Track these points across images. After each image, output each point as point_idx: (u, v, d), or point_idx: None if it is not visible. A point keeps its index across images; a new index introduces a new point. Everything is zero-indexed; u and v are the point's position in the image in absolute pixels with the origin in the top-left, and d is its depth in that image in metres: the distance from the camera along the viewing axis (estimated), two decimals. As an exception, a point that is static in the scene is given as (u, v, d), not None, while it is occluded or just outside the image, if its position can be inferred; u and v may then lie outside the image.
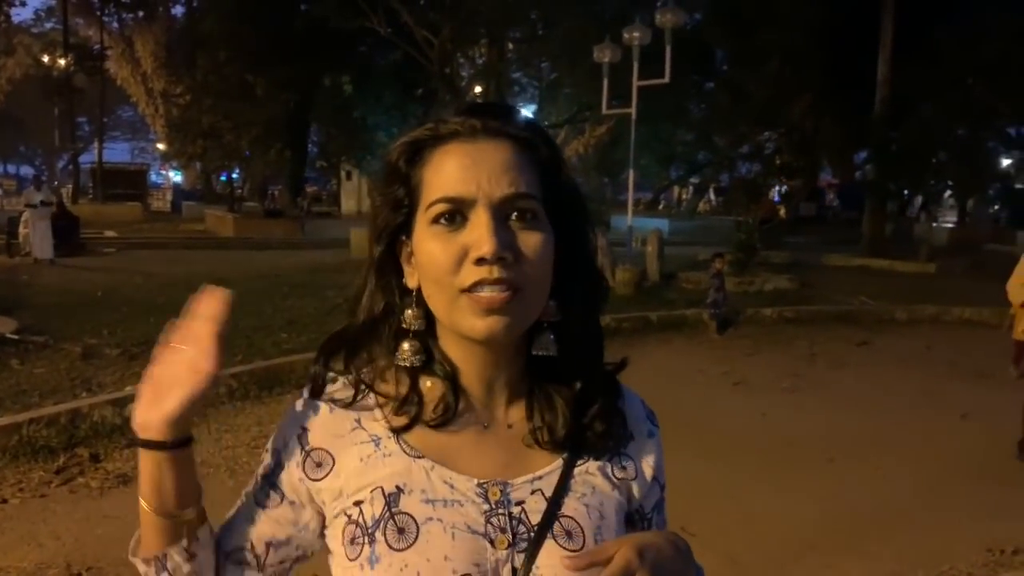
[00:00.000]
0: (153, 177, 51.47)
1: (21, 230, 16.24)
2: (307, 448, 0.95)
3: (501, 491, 0.92)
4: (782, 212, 27.62)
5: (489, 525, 0.90)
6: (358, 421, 0.95)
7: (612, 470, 0.98)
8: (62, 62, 36.37)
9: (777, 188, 32.32)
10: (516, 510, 0.92)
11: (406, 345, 0.94)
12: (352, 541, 0.91)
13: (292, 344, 8.36)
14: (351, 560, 0.90)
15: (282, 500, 0.96)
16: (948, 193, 30.77)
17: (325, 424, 0.96)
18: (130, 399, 5.92)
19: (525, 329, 0.92)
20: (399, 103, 26.06)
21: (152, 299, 11.24)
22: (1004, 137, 28.98)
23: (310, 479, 0.94)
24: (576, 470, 0.96)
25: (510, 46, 27.59)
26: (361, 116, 25.84)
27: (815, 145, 25.56)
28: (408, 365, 0.94)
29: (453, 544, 0.89)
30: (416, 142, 0.93)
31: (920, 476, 5.33)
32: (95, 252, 17.88)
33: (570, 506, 0.93)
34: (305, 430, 0.96)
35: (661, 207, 47.47)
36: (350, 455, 0.94)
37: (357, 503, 0.91)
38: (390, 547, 0.88)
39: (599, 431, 0.97)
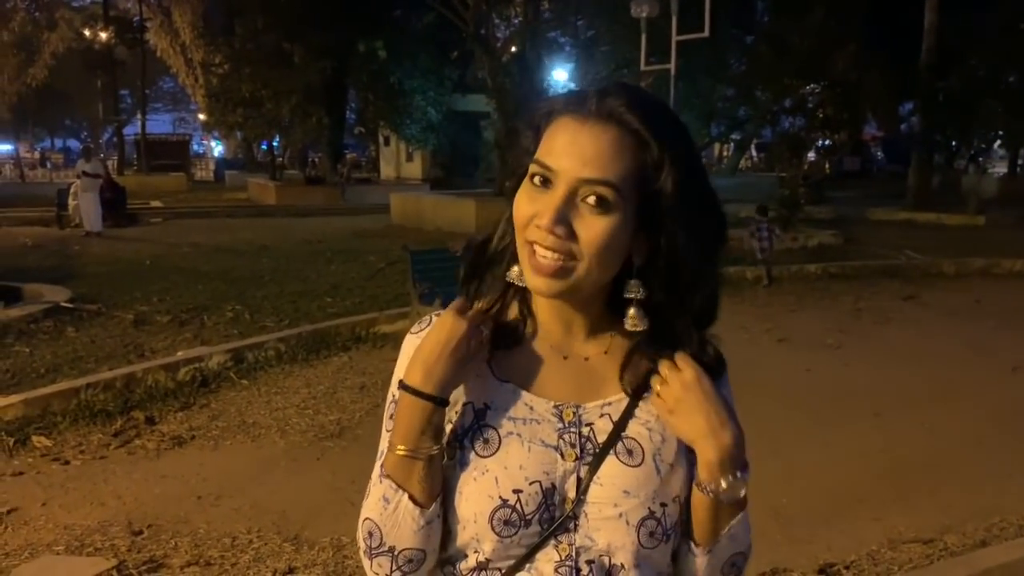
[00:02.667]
0: (195, 147, 52.04)
1: (71, 202, 16.59)
2: None
3: (574, 413, 1.04)
4: (827, 168, 27.08)
5: (561, 440, 1.03)
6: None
7: None
8: (103, 35, 36.81)
9: (820, 142, 31.66)
10: (586, 430, 1.04)
11: (516, 268, 1.04)
12: (449, 444, 1.04)
13: (337, 308, 8.49)
14: (448, 460, 1.03)
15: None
16: (998, 143, 29.87)
17: None
18: (182, 364, 6.10)
19: (576, 295, 1.02)
20: (435, 66, 25.92)
21: (199, 267, 11.47)
22: (1057, 84, 27.98)
23: None
24: (640, 403, 1.06)
25: (545, 4, 27.19)
26: (397, 81, 25.76)
27: (859, 97, 24.93)
28: (517, 283, 1.04)
29: (528, 455, 1.01)
30: (552, 104, 1.03)
31: (969, 430, 5.28)
32: (142, 222, 18.23)
33: (633, 429, 1.04)
34: None
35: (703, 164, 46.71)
36: None
37: (457, 413, 1.05)
38: (476, 454, 1.02)
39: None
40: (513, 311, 1.09)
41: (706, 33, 13.12)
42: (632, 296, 1.02)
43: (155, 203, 22.76)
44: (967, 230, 16.40)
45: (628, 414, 1.05)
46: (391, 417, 1.07)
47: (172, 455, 4.85)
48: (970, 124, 22.35)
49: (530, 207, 0.99)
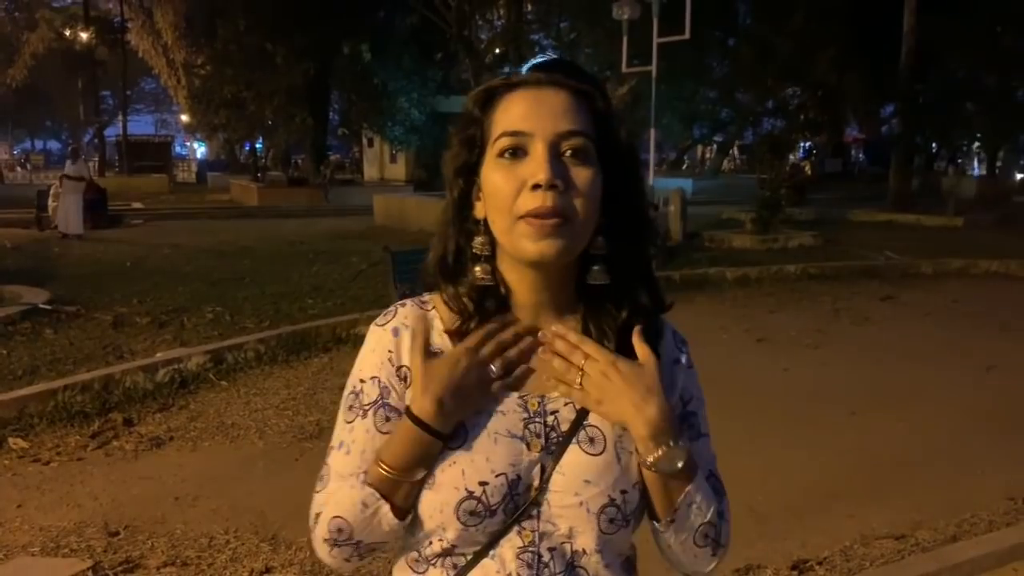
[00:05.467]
0: (178, 149, 51.78)
1: (51, 203, 16.47)
2: (396, 365, 1.09)
3: (539, 403, 1.07)
4: (808, 169, 27.25)
5: (527, 430, 1.05)
6: (428, 331, 1.09)
7: None
8: (84, 36, 36.54)
9: (802, 144, 31.90)
10: (551, 419, 1.06)
11: (478, 268, 1.07)
12: None
13: (318, 309, 8.47)
14: None
15: (399, 417, 1.07)
16: (976, 145, 30.18)
17: (403, 344, 1.09)
18: (161, 365, 6.08)
19: (573, 256, 1.05)
20: (418, 68, 25.92)
21: (180, 268, 11.42)
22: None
23: (403, 392, 1.08)
24: None
25: (528, 6, 27.27)
26: (381, 82, 25.76)
27: (840, 99, 25.14)
28: (482, 283, 1.07)
29: (494, 447, 1.03)
30: (489, 90, 1.07)
31: (943, 428, 5.34)
32: (123, 224, 18.12)
33: (596, 417, 1.06)
34: (391, 352, 1.09)
35: (685, 167, 47.02)
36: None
37: (464, 418, 1.05)
38: (445, 446, 1.03)
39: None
40: (482, 304, 1.10)
41: (687, 36, 13.19)
42: (598, 252, 1.06)
43: (136, 205, 22.62)
44: (946, 231, 16.57)
45: None
46: (350, 409, 1.09)
47: (150, 456, 4.84)
48: (949, 126, 22.59)
49: (511, 180, 1.01)
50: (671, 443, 1.02)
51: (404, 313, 1.11)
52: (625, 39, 14.25)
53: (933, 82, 20.80)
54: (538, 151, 1.00)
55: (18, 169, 45.21)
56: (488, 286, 1.07)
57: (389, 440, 1.04)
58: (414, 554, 1.08)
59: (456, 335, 1.08)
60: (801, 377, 6.49)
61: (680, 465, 1.03)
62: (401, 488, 1.03)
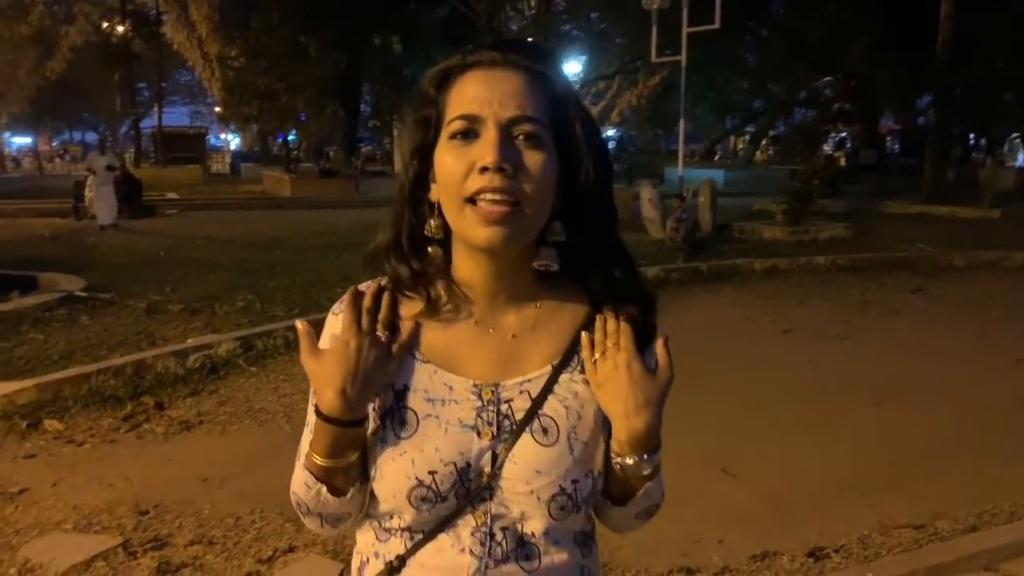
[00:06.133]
0: (212, 140, 52.36)
1: (87, 194, 16.77)
2: None
3: (493, 391, 1.07)
4: (840, 161, 26.93)
5: (479, 419, 1.05)
6: (359, 312, 1.08)
7: None
8: (120, 29, 37.05)
9: (834, 135, 31.52)
10: (504, 407, 1.06)
11: (431, 249, 1.08)
12: (372, 420, 1.07)
13: (346, 298, 8.56)
14: (371, 435, 1.07)
15: None
16: (1015, 136, 29.63)
17: None
18: (192, 351, 6.20)
19: (524, 242, 1.03)
20: (448, 59, 25.94)
21: (212, 258, 11.60)
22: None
23: None
24: (562, 377, 1.08)
25: (558, -4, 27.24)
26: (411, 74, 25.84)
27: (874, 90, 24.80)
28: (434, 267, 1.08)
29: (445, 437, 1.04)
30: (444, 70, 1.06)
31: (969, 420, 5.30)
32: (157, 214, 18.41)
33: (551, 407, 1.06)
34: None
35: (717, 158, 46.68)
36: None
37: (378, 394, 1.06)
38: (395, 435, 1.05)
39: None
40: (436, 289, 1.09)
41: (717, 25, 13.10)
42: (555, 238, 1.05)
43: (171, 195, 22.95)
44: (981, 223, 16.31)
45: (547, 390, 1.07)
46: (314, 391, 1.11)
47: (180, 439, 4.96)
48: (986, 117, 22.20)
49: (461, 161, 0.99)
50: (645, 456, 1.04)
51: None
52: (655, 29, 14.20)
53: (969, 72, 20.44)
54: (489, 134, 0.98)
55: (56, 160, 46.01)
56: (440, 270, 1.08)
57: (314, 433, 1.05)
58: (375, 523, 1.11)
59: (408, 318, 1.09)
60: (826, 368, 6.46)
61: (646, 474, 1.06)
62: (336, 473, 1.05)
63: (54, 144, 55.91)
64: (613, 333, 1.06)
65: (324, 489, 1.06)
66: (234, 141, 55.85)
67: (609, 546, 3.27)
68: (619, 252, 1.10)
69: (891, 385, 5.98)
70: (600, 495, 1.11)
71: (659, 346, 1.07)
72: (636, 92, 29.04)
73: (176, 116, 56.16)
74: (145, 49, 39.49)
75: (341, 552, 3.51)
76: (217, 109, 39.36)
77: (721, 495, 4.13)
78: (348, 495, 1.07)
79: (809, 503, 4.10)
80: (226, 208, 20.39)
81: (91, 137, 59.02)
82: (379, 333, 1.05)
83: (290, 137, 32.80)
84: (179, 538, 3.67)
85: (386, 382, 1.05)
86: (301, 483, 1.08)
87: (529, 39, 1.15)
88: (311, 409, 1.11)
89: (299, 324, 1.08)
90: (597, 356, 1.06)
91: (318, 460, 1.04)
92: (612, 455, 1.06)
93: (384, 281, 1.12)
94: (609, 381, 1.04)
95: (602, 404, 1.06)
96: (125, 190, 16.71)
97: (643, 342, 1.08)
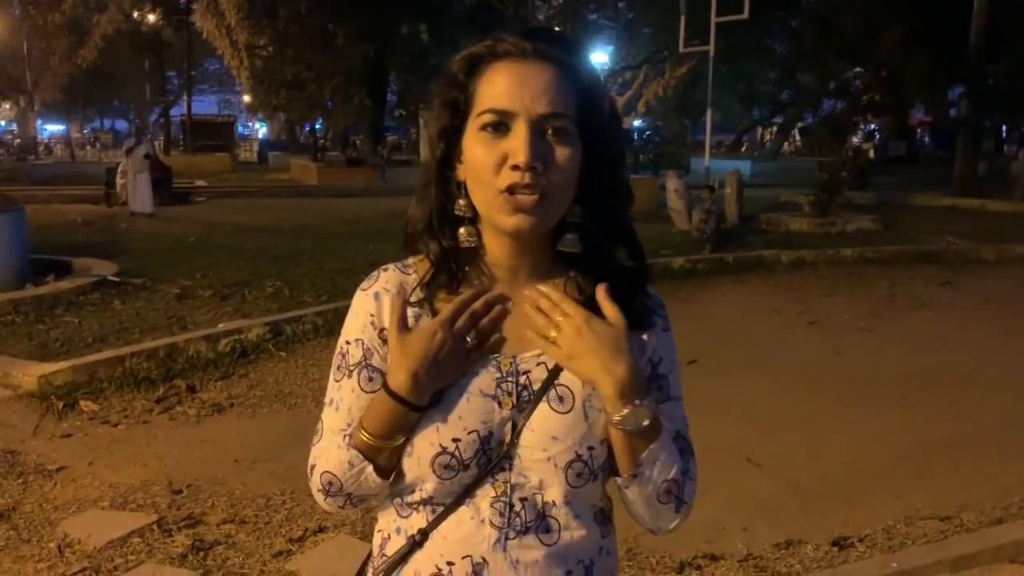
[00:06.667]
0: (240, 128, 52.72)
1: (118, 180, 16.98)
2: (378, 329, 1.14)
3: (512, 363, 1.11)
4: (870, 152, 26.64)
5: (499, 389, 1.10)
6: (407, 303, 1.13)
7: None
8: (151, 17, 37.38)
9: (863, 127, 31.20)
10: (523, 379, 1.11)
11: (463, 230, 1.11)
12: None
13: (373, 286, 8.64)
14: None
15: (381, 377, 1.13)
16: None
17: (384, 308, 1.14)
18: (223, 335, 6.30)
19: (549, 228, 1.09)
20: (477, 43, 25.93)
21: (241, 244, 11.73)
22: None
23: (385, 354, 1.13)
24: None
25: (586, -15, 27.14)
26: (437, 63, 25.85)
27: (905, 81, 24.49)
28: (466, 245, 1.11)
29: (467, 405, 1.09)
30: (474, 56, 1.09)
31: (996, 412, 5.27)
32: (187, 201, 18.61)
33: (566, 377, 1.10)
34: (372, 316, 1.14)
35: (744, 148, 46.35)
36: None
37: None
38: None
39: None
40: (463, 265, 1.14)
41: (745, 15, 13.01)
42: (573, 220, 1.09)
43: (200, 183, 23.18)
44: (1013, 217, 16.07)
45: None
46: (339, 368, 1.17)
47: (211, 421, 5.06)
48: (1020, 109, 21.85)
49: (492, 154, 1.04)
50: (637, 402, 1.05)
51: (386, 278, 1.16)
52: (683, 18, 14.13)
53: (1003, 63, 20.08)
54: (520, 130, 1.02)
55: (87, 148, 46.55)
56: (469, 248, 1.11)
57: (369, 408, 1.10)
58: (398, 500, 1.15)
59: (435, 299, 1.13)
60: (852, 360, 6.45)
61: (646, 424, 1.06)
62: (383, 452, 1.09)
63: (85, 132, 56.51)
64: (556, 306, 1.08)
65: (369, 469, 1.10)
66: (261, 129, 56.23)
67: (633, 532, 3.31)
68: (627, 233, 1.16)
69: (918, 377, 5.95)
70: (614, 478, 1.13)
71: (600, 295, 1.08)
72: (663, 82, 28.85)
73: (205, 104, 56.60)
74: (175, 37, 39.80)
75: (370, 533, 3.56)
76: (245, 98, 39.63)
77: (746, 483, 4.15)
78: (390, 478, 1.12)
79: (834, 493, 4.11)
80: (254, 196, 20.58)
81: (121, 125, 59.64)
82: (468, 337, 1.09)
83: (317, 126, 32.95)
84: (212, 516, 3.76)
85: (451, 380, 1.09)
86: (342, 462, 1.11)
87: (556, 28, 1.18)
88: (333, 387, 1.17)
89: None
90: (553, 334, 1.07)
91: (366, 438, 1.09)
92: (609, 419, 1.07)
93: (410, 262, 1.17)
94: (575, 347, 1.06)
95: (580, 373, 1.07)
96: (156, 178, 16.89)
97: (632, 320, 1.10)
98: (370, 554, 1.21)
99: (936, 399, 5.52)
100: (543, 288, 1.10)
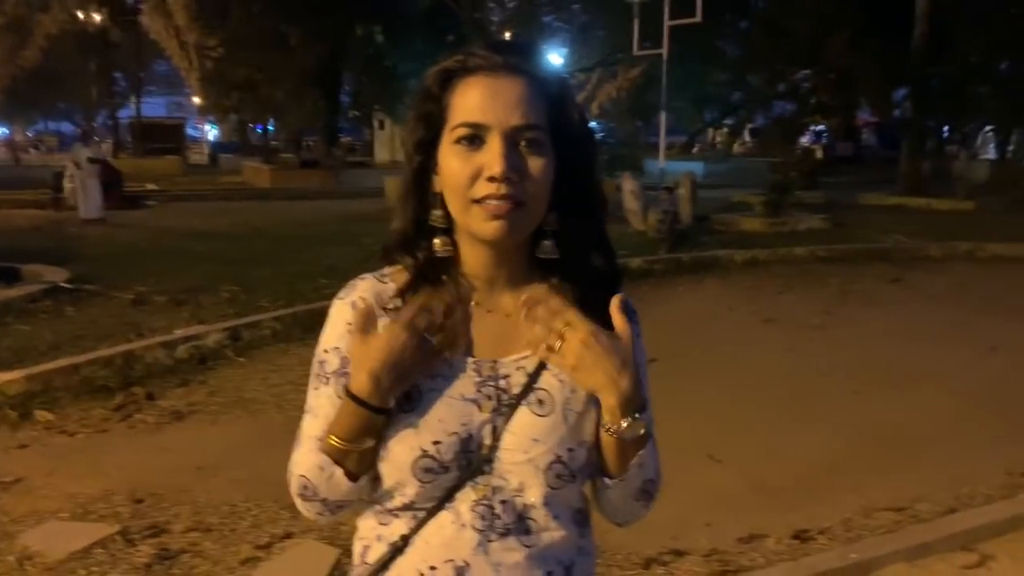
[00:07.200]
0: (190, 131, 51.89)
1: (66, 184, 16.61)
2: None
3: (491, 367, 1.13)
4: (818, 153, 27.17)
5: (479, 393, 1.12)
6: (384, 310, 1.15)
7: None
8: (97, 17, 36.56)
9: (813, 127, 31.79)
10: (502, 383, 1.13)
11: (438, 240, 1.14)
12: None
13: (333, 289, 8.29)
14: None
15: None
16: (989, 129, 30.01)
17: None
18: (180, 342, 6.22)
19: (525, 235, 1.12)
20: (430, 51, 25.83)
21: (195, 249, 11.58)
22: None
23: None
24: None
25: (541, -12, 27.24)
26: (392, 65, 25.78)
27: (852, 82, 25.04)
28: (442, 255, 1.14)
29: (447, 409, 1.11)
30: (447, 70, 1.11)
31: (946, 406, 5.43)
32: (138, 205, 18.29)
33: (546, 380, 1.13)
34: (350, 325, 1.14)
35: (696, 150, 46.89)
36: None
37: (404, 390, 1.10)
38: (400, 409, 1.10)
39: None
40: (440, 274, 1.15)
41: (698, 18, 13.18)
42: (549, 228, 1.12)
43: (150, 186, 22.77)
44: (956, 215, 16.55)
45: (541, 366, 1.13)
46: (317, 376, 1.18)
47: (172, 429, 4.99)
48: (961, 110, 22.47)
49: (467, 166, 1.06)
50: (638, 414, 1.09)
51: (363, 287, 1.17)
52: (637, 21, 14.28)
53: (946, 65, 20.66)
54: (495, 143, 1.05)
55: (31, 151, 45.47)
56: (446, 258, 1.13)
57: (337, 412, 1.10)
58: (378, 507, 1.16)
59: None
60: (807, 357, 6.59)
61: (642, 432, 1.11)
62: (350, 456, 1.10)
63: (29, 134, 55.16)
64: (558, 314, 1.10)
65: (339, 472, 1.11)
66: (212, 132, 55.40)
67: (599, 529, 3.34)
68: (601, 240, 1.18)
69: (871, 373, 6.11)
70: (598, 477, 1.18)
71: (613, 308, 1.11)
72: (616, 84, 29.05)
73: (154, 107, 55.56)
74: (122, 38, 39.00)
75: (337, 538, 3.57)
76: (196, 100, 39.05)
77: (708, 480, 4.22)
78: (360, 482, 1.12)
79: (793, 487, 4.20)
80: (206, 199, 20.29)
81: (67, 128, 58.32)
82: (430, 336, 1.09)
83: (270, 127, 32.61)
84: (176, 525, 3.72)
85: (416, 381, 1.10)
86: (314, 466, 1.13)
87: (522, 40, 1.19)
88: (312, 394, 1.18)
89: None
90: (556, 344, 1.09)
91: (335, 442, 1.09)
92: (606, 427, 1.11)
93: (388, 271, 1.19)
94: (582, 359, 1.08)
95: (584, 383, 1.10)
96: (105, 181, 16.54)
97: (609, 325, 1.13)
98: (340, 559, 1.23)
99: (888, 393, 5.68)
100: (538, 293, 1.13)
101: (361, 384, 1.06)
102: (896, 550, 3.40)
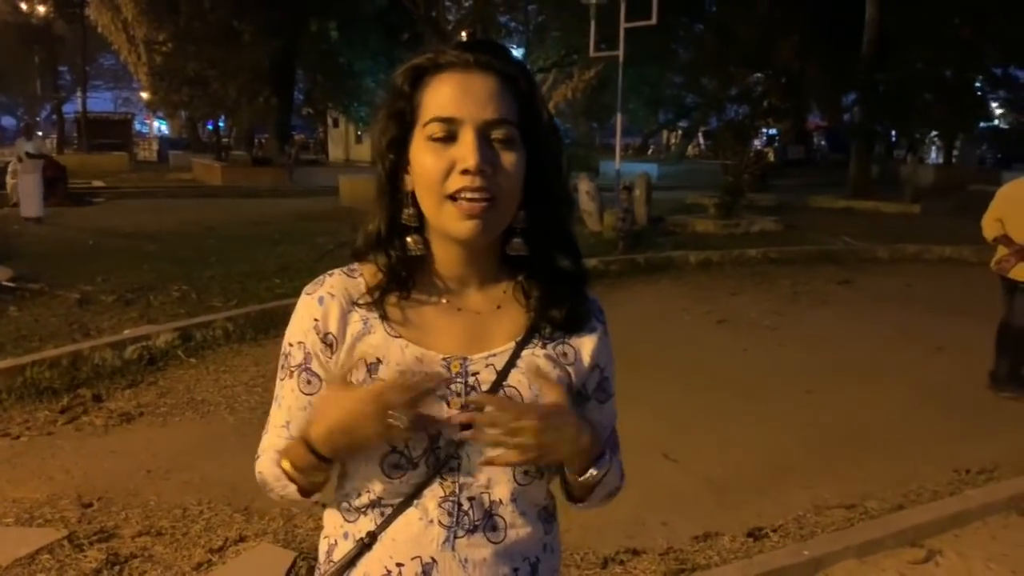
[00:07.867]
0: (138, 126, 50.87)
1: (8, 180, 16.15)
2: (322, 333, 1.14)
3: (461, 364, 1.13)
4: (770, 156, 27.60)
5: (448, 389, 1.11)
6: (354, 306, 1.15)
7: (555, 354, 1.18)
8: (41, 9, 35.65)
9: (766, 131, 32.30)
10: (472, 379, 1.13)
11: (410, 239, 1.14)
12: None
13: (285, 289, 8.47)
14: None
15: (320, 383, 1.16)
16: (934, 134, 30.79)
17: (329, 313, 1.14)
18: (129, 342, 6.09)
19: (498, 233, 1.12)
20: (385, 49, 25.77)
21: (143, 247, 11.34)
22: (990, 78, 28.93)
23: (327, 358, 1.14)
24: (524, 352, 1.16)
25: (496, -12, 27.24)
26: (347, 62, 25.57)
27: (803, 87, 25.50)
28: (415, 253, 1.14)
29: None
30: (418, 68, 1.11)
31: (893, 405, 5.55)
32: (84, 202, 17.86)
33: (515, 378, 1.14)
34: (316, 320, 1.14)
35: (650, 152, 47.32)
36: (347, 334, 1.14)
37: (349, 371, 1.13)
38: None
39: (555, 320, 1.18)
40: (411, 272, 1.16)
41: (654, 21, 13.29)
42: (518, 226, 1.13)
43: (97, 183, 22.25)
44: (903, 218, 16.93)
45: (511, 364, 1.14)
46: (282, 368, 1.18)
47: (120, 431, 4.88)
48: (908, 115, 23.00)
49: (440, 161, 1.06)
50: (597, 462, 1.14)
51: (331, 283, 1.16)
52: (593, 23, 14.32)
53: (893, 71, 21.13)
54: (468, 137, 1.05)
55: (-28, 146, 44.16)
56: (418, 256, 1.14)
57: (291, 445, 1.12)
58: (345, 505, 1.17)
59: (386, 302, 1.14)
60: (759, 357, 6.68)
61: (606, 471, 1.16)
62: (301, 482, 1.13)
63: (-31, 128, 53.63)
64: (501, 422, 1.07)
65: (292, 487, 1.14)
66: (161, 127, 54.38)
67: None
68: (567, 239, 1.19)
69: (821, 373, 6.22)
70: (564, 496, 1.22)
71: (538, 375, 1.13)
72: (571, 86, 29.20)
73: (101, 102, 54.47)
74: (68, 31, 38.10)
75: (292, 541, 3.53)
76: (144, 95, 38.28)
77: (663, 479, 4.26)
78: (314, 496, 1.15)
79: (747, 486, 4.26)
80: (155, 196, 19.89)
81: (8, 122, 56.84)
82: (394, 420, 1.04)
83: (220, 124, 32.06)
84: (126, 530, 3.64)
85: (364, 451, 1.09)
86: (272, 474, 1.15)
87: (491, 40, 1.18)
88: (278, 384, 1.19)
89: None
90: (518, 440, 1.07)
91: (287, 467, 1.12)
92: (570, 476, 1.16)
93: (356, 267, 1.18)
94: (544, 443, 1.08)
95: (555, 462, 1.14)
96: (50, 177, 16.12)
97: (575, 323, 1.19)
98: (296, 561, 1.23)
99: (838, 393, 5.78)
100: (492, 406, 1.08)
101: (317, 434, 1.08)
102: (847, 546, 3.46)
